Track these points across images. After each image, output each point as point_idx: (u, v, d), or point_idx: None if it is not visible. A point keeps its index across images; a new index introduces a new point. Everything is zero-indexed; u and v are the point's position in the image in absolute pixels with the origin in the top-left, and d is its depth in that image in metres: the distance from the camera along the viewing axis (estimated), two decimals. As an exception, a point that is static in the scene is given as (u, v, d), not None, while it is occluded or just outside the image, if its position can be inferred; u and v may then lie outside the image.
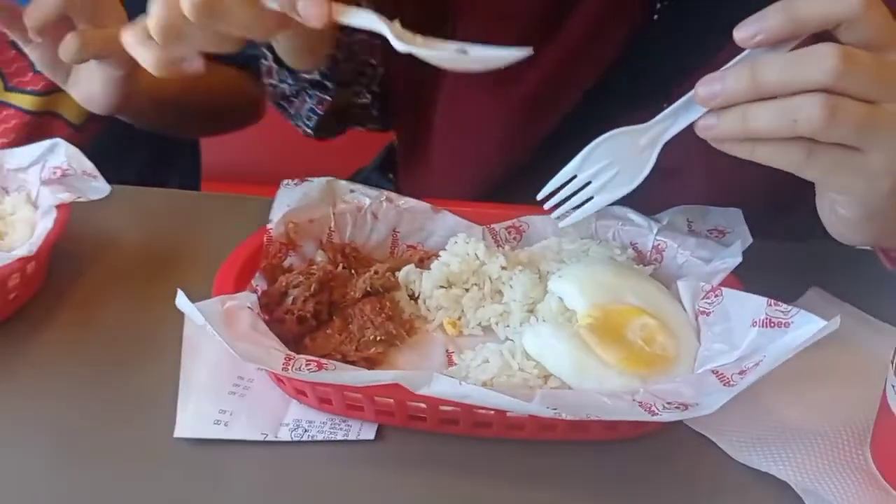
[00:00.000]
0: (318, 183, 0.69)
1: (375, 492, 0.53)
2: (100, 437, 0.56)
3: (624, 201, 0.56)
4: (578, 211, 0.57)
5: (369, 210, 0.69)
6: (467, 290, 0.65)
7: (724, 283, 0.60)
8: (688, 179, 0.66)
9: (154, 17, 0.49)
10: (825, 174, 0.50)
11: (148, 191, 0.83)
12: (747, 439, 0.55)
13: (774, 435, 0.55)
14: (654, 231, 0.67)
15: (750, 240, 0.63)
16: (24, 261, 0.63)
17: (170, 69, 0.51)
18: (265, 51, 0.76)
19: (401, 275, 0.66)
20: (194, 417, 0.56)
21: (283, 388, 0.58)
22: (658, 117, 0.53)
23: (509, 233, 0.70)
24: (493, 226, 0.70)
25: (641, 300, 0.61)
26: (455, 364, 0.60)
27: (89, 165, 0.71)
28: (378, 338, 0.60)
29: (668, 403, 0.51)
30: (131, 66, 0.74)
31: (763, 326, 0.54)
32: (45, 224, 0.66)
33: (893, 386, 0.51)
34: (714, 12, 0.69)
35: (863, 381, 0.56)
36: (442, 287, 0.64)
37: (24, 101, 0.90)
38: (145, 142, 0.99)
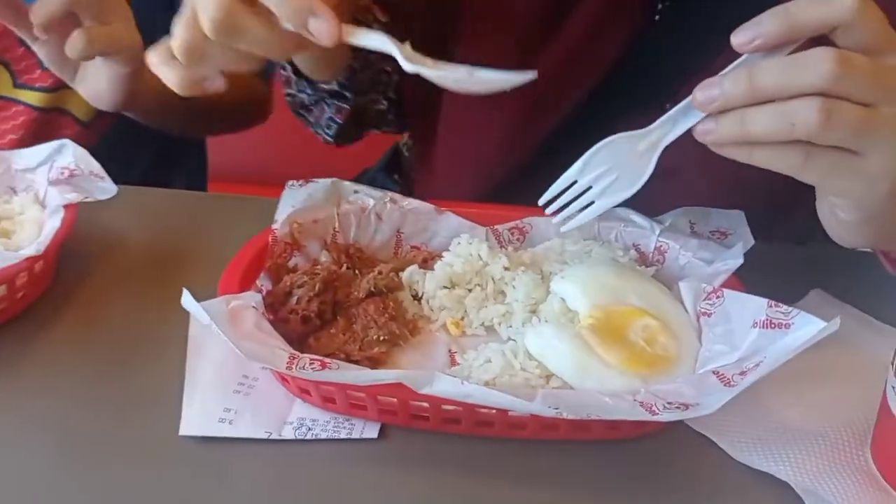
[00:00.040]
0: (322, 184, 0.69)
1: (378, 490, 0.53)
2: (106, 435, 0.56)
3: (625, 202, 0.57)
4: (579, 216, 0.57)
5: (373, 211, 0.69)
6: (470, 290, 0.65)
7: (725, 285, 0.60)
8: (687, 179, 0.67)
9: (177, 37, 0.51)
10: (823, 177, 0.50)
11: (154, 191, 0.84)
12: (748, 439, 0.55)
13: (775, 435, 0.55)
14: (657, 232, 0.67)
15: (752, 241, 0.64)
16: (31, 260, 0.64)
17: (193, 88, 0.53)
18: (284, 62, 0.76)
19: (404, 275, 0.66)
20: (199, 415, 0.56)
21: (287, 387, 0.58)
22: (657, 122, 0.54)
23: (512, 234, 0.70)
24: (496, 227, 0.70)
25: (643, 301, 0.61)
26: (458, 364, 0.61)
27: (96, 166, 0.72)
28: (381, 337, 0.61)
29: (669, 403, 0.51)
30: (137, 63, 0.75)
31: (763, 327, 0.54)
32: (52, 224, 0.67)
33: (893, 387, 0.51)
34: (715, 13, 0.69)
35: (863, 382, 0.56)
36: (445, 287, 0.65)
37: (33, 97, 0.91)
38: (152, 140, 0.99)
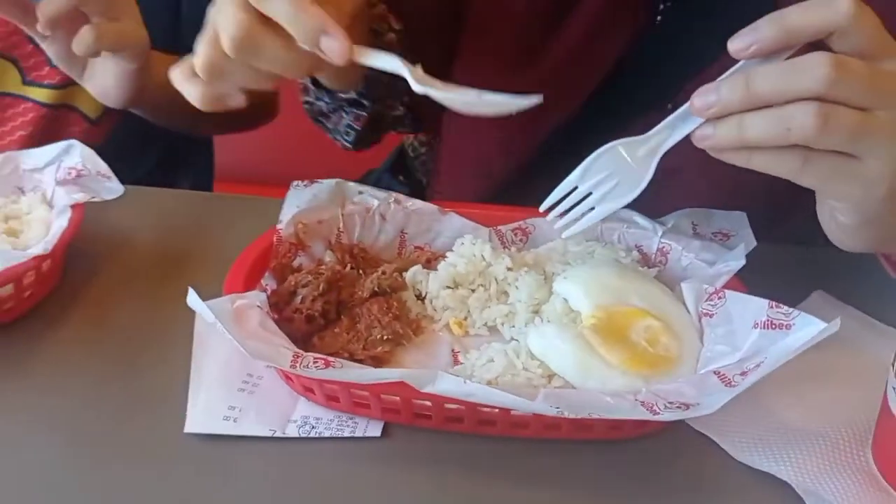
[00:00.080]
0: (327, 184, 0.70)
1: (381, 488, 0.54)
2: (112, 432, 0.57)
3: (627, 204, 0.57)
4: (580, 221, 0.58)
5: (377, 211, 0.70)
6: (473, 290, 0.66)
7: (727, 286, 0.60)
8: (688, 181, 0.67)
9: (199, 55, 0.52)
10: (821, 181, 0.51)
11: (161, 191, 0.85)
12: (749, 440, 0.55)
13: (776, 436, 0.55)
14: (659, 234, 0.68)
15: (754, 243, 0.64)
16: (39, 259, 0.64)
17: (214, 104, 0.55)
18: None
19: (408, 275, 0.66)
20: (204, 413, 0.57)
21: (291, 386, 0.59)
22: (656, 128, 0.54)
23: (515, 234, 0.71)
24: (499, 227, 0.71)
25: (645, 302, 0.61)
26: (461, 363, 0.61)
27: (103, 166, 0.72)
28: (385, 337, 0.61)
29: (670, 403, 0.51)
30: (143, 59, 0.76)
31: (764, 328, 0.54)
32: (60, 223, 0.67)
33: (894, 388, 0.51)
34: (717, 14, 0.70)
35: (864, 383, 0.57)
36: (448, 287, 0.65)
37: (42, 94, 0.92)
38: (160, 139, 1.00)
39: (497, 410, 0.54)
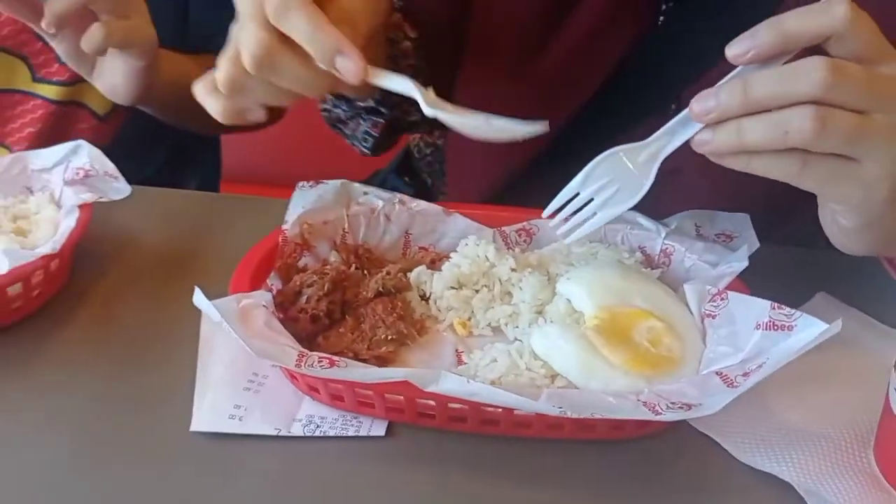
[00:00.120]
0: (332, 185, 0.70)
1: (385, 487, 0.54)
2: (119, 431, 0.57)
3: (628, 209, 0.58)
4: (582, 227, 0.58)
5: (382, 212, 0.70)
6: (477, 291, 0.66)
7: (730, 288, 0.60)
8: (688, 182, 0.67)
9: (221, 71, 0.54)
10: (820, 184, 0.51)
11: (167, 192, 0.85)
12: (751, 440, 0.56)
13: (778, 436, 0.56)
14: (662, 235, 0.68)
15: (757, 244, 0.64)
16: (47, 258, 0.65)
17: (234, 118, 0.56)
18: None
19: (412, 276, 0.67)
20: (210, 412, 0.57)
21: (296, 385, 0.59)
22: (656, 134, 0.55)
23: (519, 235, 0.71)
24: (503, 228, 0.71)
25: (648, 303, 0.61)
26: (464, 363, 0.61)
27: (111, 167, 0.73)
28: (389, 337, 0.61)
29: (672, 403, 0.52)
30: (152, 56, 0.77)
31: (767, 329, 0.54)
32: (68, 223, 0.68)
33: None
34: (720, 14, 0.70)
35: (866, 384, 0.57)
36: (452, 288, 0.66)
37: (51, 91, 0.92)
38: (168, 137, 1.01)
39: (500, 410, 0.55)
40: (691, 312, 0.62)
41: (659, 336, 0.59)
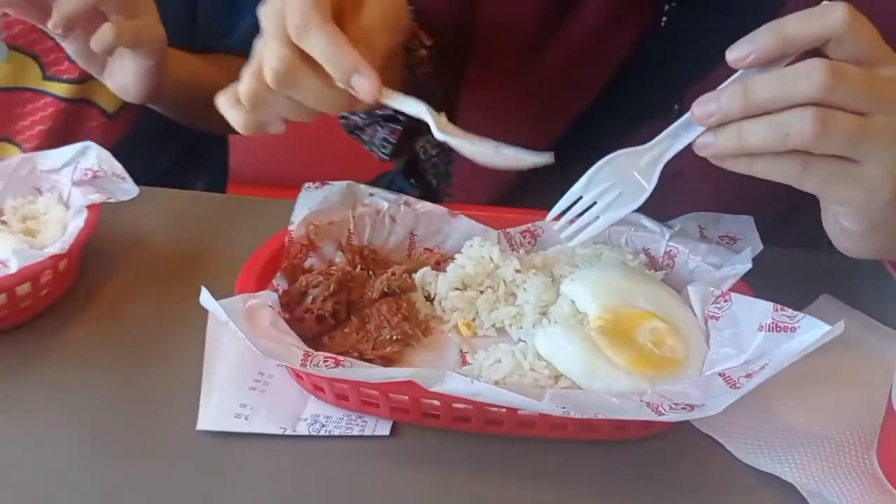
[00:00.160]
0: (338, 186, 0.71)
1: (390, 486, 0.54)
2: (126, 429, 0.58)
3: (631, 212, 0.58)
4: (586, 231, 0.58)
5: (388, 213, 0.71)
6: (482, 292, 0.66)
7: (733, 290, 0.61)
8: (690, 185, 0.68)
9: (244, 85, 0.56)
10: (822, 186, 0.51)
11: (175, 192, 0.86)
12: (754, 441, 0.56)
13: (781, 438, 0.56)
14: (667, 237, 0.68)
15: (760, 247, 0.64)
16: (56, 258, 0.65)
17: (255, 130, 0.58)
18: None
19: (417, 276, 0.67)
20: (216, 411, 0.58)
21: (301, 384, 0.60)
22: (658, 137, 0.55)
23: (524, 237, 0.71)
24: (508, 230, 0.71)
25: (652, 304, 0.62)
26: (469, 364, 0.62)
27: (119, 167, 0.74)
28: (394, 337, 0.62)
29: (675, 404, 0.52)
30: (161, 55, 0.78)
31: (769, 331, 0.55)
32: (76, 223, 0.69)
33: (899, 391, 0.51)
34: (722, 14, 0.70)
35: (869, 386, 0.57)
36: (457, 289, 0.66)
37: (61, 89, 0.93)
38: (177, 136, 1.01)
39: (504, 410, 0.55)
40: (695, 314, 0.62)
41: (662, 337, 0.59)
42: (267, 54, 0.54)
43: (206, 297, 0.56)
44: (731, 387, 0.52)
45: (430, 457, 0.56)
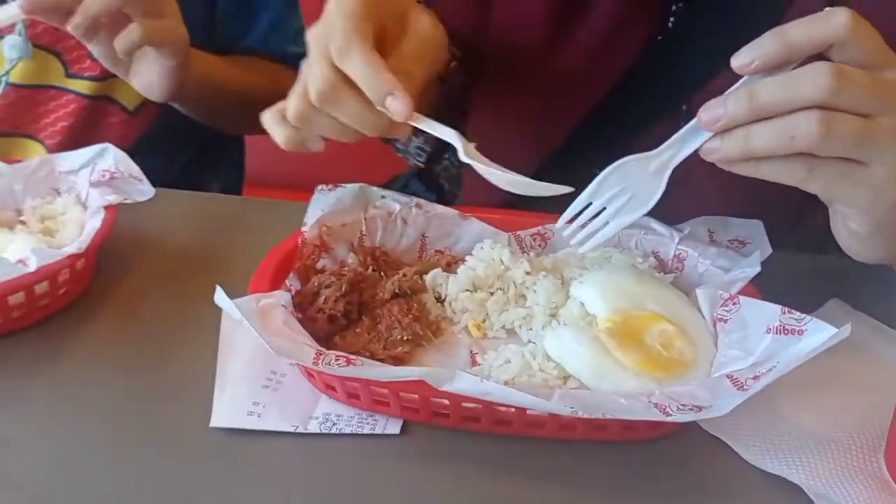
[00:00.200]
0: (350, 189, 0.72)
1: (400, 484, 0.55)
2: (141, 425, 0.59)
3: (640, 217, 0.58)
4: (596, 236, 0.59)
5: (399, 215, 0.71)
6: (492, 293, 0.67)
7: (742, 293, 0.61)
8: (698, 185, 0.68)
9: (291, 103, 0.59)
10: (828, 188, 0.52)
11: (190, 194, 0.87)
12: (761, 443, 0.56)
13: (788, 440, 0.56)
14: (676, 240, 0.69)
15: (769, 251, 0.64)
16: (73, 258, 0.66)
17: (296, 147, 0.61)
18: None
19: (428, 278, 0.68)
20: (229, 408, 0.59)
21: (313, 383, 0.60)
22: (666, 143, 0.56)
23: (534, 239, 0.72)
24: (518, 232, 0.72)
25: (661, 307, 0.62)
26: (478, 364, 0.62)
27: (136, 169, 0.75)
28: (405, 337, 0.62)
29: (683, 405, 0.52)
30: (184, 55, 0.80)
31: (777, 333, 0.55)
32: (93, 224, 0.70)
33: (906, 394, 0.52)
34: (729, 15, 0.71)
35: (877, 388, 0.57)
36: (468, 290, 0.66)
37: (83, 86, 0.95)
38: (196, 135, 1.03)
39: (513, 410, 0.55)
40: (703, 317, 0.62)
41: (671, 339, 0.60)
42: (312, 75, 0.57)
43: (220, 296, 0.56)
44: (738, 388, 0.53)
45: (440, 456, 0.57)
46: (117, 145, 0.76)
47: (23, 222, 0.75)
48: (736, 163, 0.52)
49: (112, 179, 0.74)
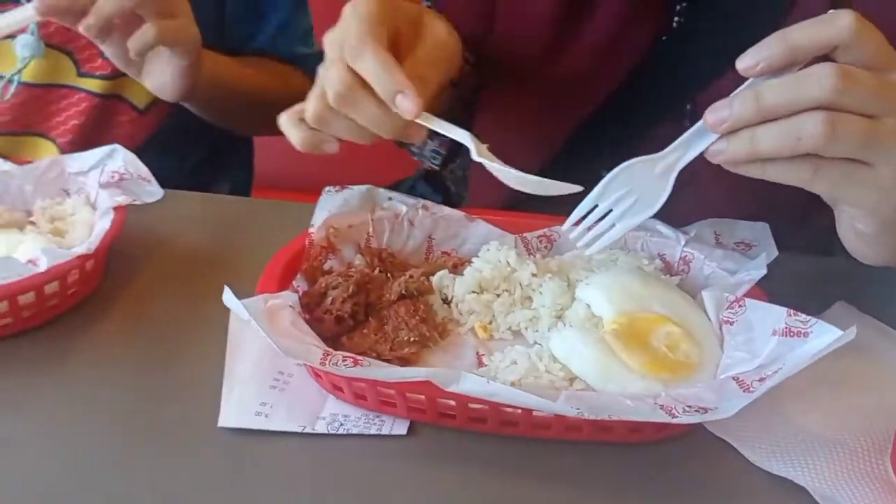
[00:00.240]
0: (357, 190, 0.72)
1: (406, 485, 0.55)
2: (150, 425, 0.59)
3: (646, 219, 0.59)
4: (602, 239, 0.59)
5: (406, 217, 0.72)
6: (498, 295, 0.67)
7: (748, 295, 0.61)
8: (704, 186, 0.68)
9: (310, 105, 0.60)
10: (833, 188, 0.52)
11: (198, 195, 0.87)
12: (767, 445, 0.56)
13: (794, 442, 0.56)
14: (682, 243, 0.69)
15: (775, 253, 0.65)
16: (83, 258, 0.67)
17: (312, 148, 0.62)
18: None
19: (435, 279, 0.68)
20: (237, 408, 0.59)
21: (320, 384, 0.61)
22: (672, 146, 0.56)
23: (540, 241, 0.72)
24: (525, 234, 0.72)
25: (667, 309, 0.62)
26: (485, 365, 0.62)
27: (144, 170, 0.75)
28: (412, 339, 0.63)
29: (689, 407, 0.52)
30: (196, 55, 0.81)
31: (783, 336, 0.55)
32: (102, 224, 0.70)
33: (912, 397, 0.52)
34: (733, 15, 0.71)
35: (882, 391, 0.57)
36: (474, 292, 0.67)
37: (94, 84, 0.96)
38: (206, 135, 1.03)
39: (519, 411, 0.56)
40: (709, 319, 0.63)
41: (677, 341, 0.60)
42: (329, 78, 0.58)
43: (228, 297, 0.57)
44: (744, 390, 0.53)
45: (447, 457, 0.57)
46: (127, 144, 0.77)
47: (33, 223, 0.75)
48: (742, 164, 0.52)
49: (121, 181, 0.75)
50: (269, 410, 0.59)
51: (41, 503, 0.54)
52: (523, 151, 0.82)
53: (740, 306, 0.60)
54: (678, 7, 0.74)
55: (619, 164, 0.57)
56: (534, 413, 0.55)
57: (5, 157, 0.79)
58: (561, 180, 0.58)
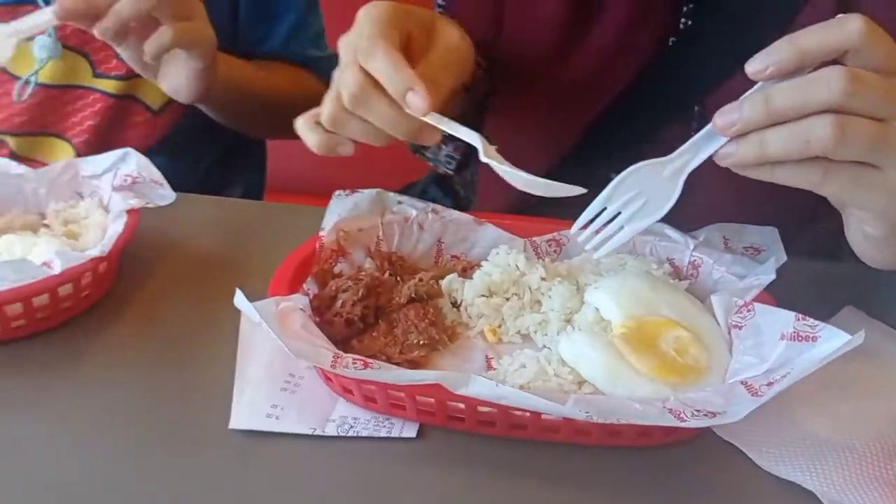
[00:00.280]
0: (367, 194, 0.72)
1: (416, 487, 0.55)
2: (162, 426, 0.59)
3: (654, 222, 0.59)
4: (610, 241, 0.59)
5: (416, 221, 0.72)
6: (507, 299, 0.67)
7: (757, 300, 0.61)
8: (711, 189, 0.68)
9: (325, 107, 0.61)
10: (843, 192, 0.52)
11: (210, 199, 0.88)
12: (776, 450, 0.56)
13: (802, 446, 0.56)
14: (691, 247, 0.69)
15: (784, 258, 0.65)
16: (96, 261, 0.68)
17: (328, 151, 0.64)
18: None
19: (444, 283, 0.68)
20: (248, 410, 0.59)
21: (330, 386, 0.61)
22: (681, 149, 0.56)
23: (550, 245, 0.72)
24: (534, 238, 0.72)
25: (676, 313, 0.62)
26: (494, 369, 0.63)
27: (157, 174, 0.76)
28: (421, 342, 0.63)
29: (697, 411, 0.52)
30: (211, 58, 0.82)
31: (791, 340, 0.55)
32: (115, 227, 0.71)
33: (921, 402, 0.52)
34: (740, 17, 0.71)
35: (891, 396, 0.57)
36: (483, 296, 0.67)
37: (109, 85, 0.97)
38: (220, 137, 1.04)
39: (528, 415, 0.56)
40: (718, 323, 0.63)
41: (685, 346, 0.60)
42: (343, 80, 0.59)
43: (239, 299, 0.57)
44: (752, 395, 0.53)
45: (456, 459, 0.57)
46: (141, 144, 0.78)
47: (46, 226, 0.76)
48: (751, 167, 0.52)
49: (134, 184, 0.76)
50: (280, 412, 0.59)
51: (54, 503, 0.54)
52: (531, 153, 0.83)
53: (749, 311, 0.60)
54: (685, 8, 0.75)
55: (627, 166, 0.57)
56: (542, 416, 0.56)
57: (20, 160, 0.80)
58: (568, 183, 0.59)
